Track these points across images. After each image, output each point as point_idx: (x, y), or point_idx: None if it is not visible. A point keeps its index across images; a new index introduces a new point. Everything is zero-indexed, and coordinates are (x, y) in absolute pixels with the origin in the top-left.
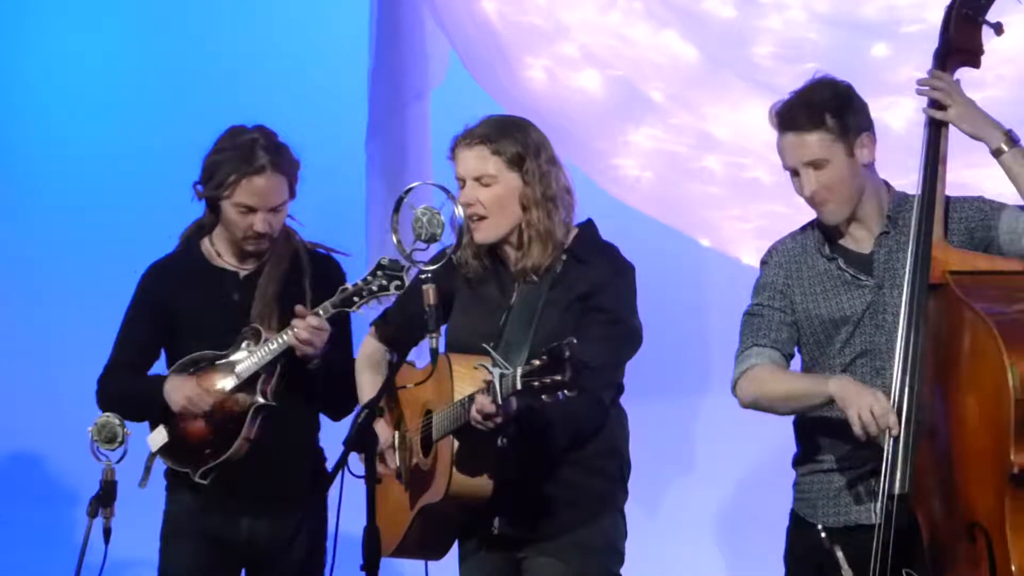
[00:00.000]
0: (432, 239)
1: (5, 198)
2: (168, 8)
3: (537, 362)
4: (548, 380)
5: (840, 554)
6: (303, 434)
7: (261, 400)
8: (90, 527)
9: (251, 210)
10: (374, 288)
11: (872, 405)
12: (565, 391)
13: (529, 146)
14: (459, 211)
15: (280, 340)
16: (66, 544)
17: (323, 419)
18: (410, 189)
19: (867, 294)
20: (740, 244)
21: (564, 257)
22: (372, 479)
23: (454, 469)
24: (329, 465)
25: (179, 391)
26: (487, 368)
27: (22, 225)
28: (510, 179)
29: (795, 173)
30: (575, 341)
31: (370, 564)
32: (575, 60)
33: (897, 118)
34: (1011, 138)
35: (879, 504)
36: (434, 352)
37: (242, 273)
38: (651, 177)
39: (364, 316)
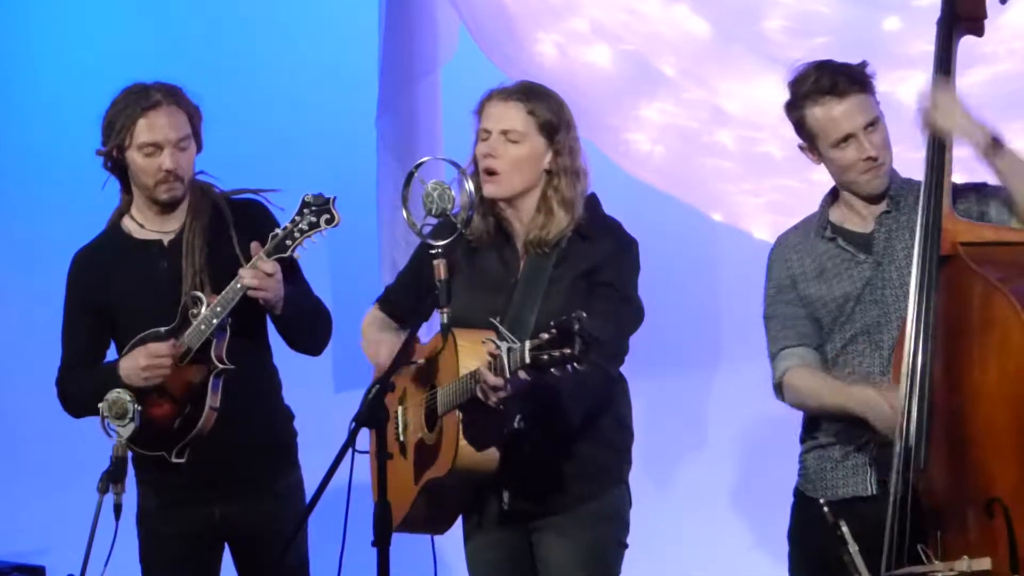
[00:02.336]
0: (443, 214)
1: (10, 192)
2: None
3: (546, 335)
4: (557, 354)
5: (845, 528)
6: (263, 397)
7: (219, 365)
8: (100, 503)
9: (156, 147)
10: (304, 227)
11: (888, 413)
12: (575, 364)
13: (563, 118)
14: (470, 186)
15: (229, 296)
16: (76, 520)
17: (283, 377)
18: (420, 164)
19: (866, 270)
20: (752, 218)
21: (569, 234)
22: (383, 455)
23: (460, 443)
24: (298, 424)
25: (134, 369)
26: (494, 342)
27: (27, 214)
28: (536, 142)
29: (845, 141)
30: (584, 314)
31: (381, 539)
32: (586, 35)
33: (910, 92)
34: (998, 140)
35: (891, 478)
36: (445, 327)
37: (167, 239)
38: (663, 151)
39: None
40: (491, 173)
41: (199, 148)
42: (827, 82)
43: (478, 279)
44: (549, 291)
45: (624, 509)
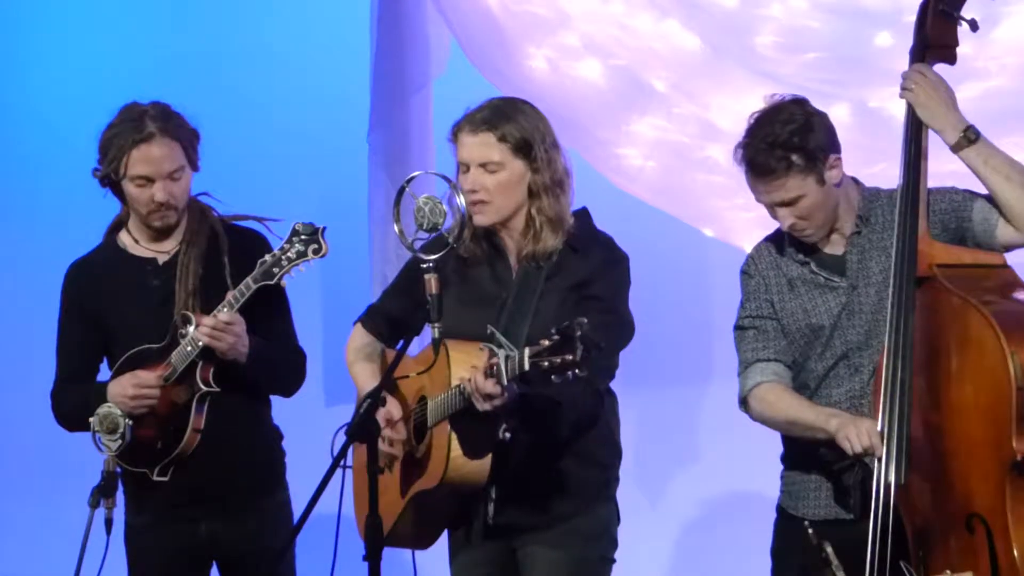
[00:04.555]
0: (434, 228)
1: (3, 202)
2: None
3: (546, 342)
4: (558, 360)
5: (830, 549)
6: (251, 417)
7: (203, 387)
8: (92, 518)
9: (148, 180)
10: (292, 256)
11: (859, 431)
12: (576, 371)
13: (535, 132)
14: (461, 200)
15: (197, 340)
16: (67, 534)
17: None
18: (412, 178)
19: (841, 296)
20: (743, 234)
21: (561, 247)
22: (374, 469)
23: (451, 455)
24: (286, 445)
25: (122, 397)
26: (492, 349)
27: (23, 221)
28: (515, 165)
29: (770, 207)
30: (585, 320)
31: (373, 553)
32: (577, 50)
33: (901, 107)
34: (969, 134)
35: (872, 495)
36: (437, 341)
37: (161, 259)
38: (654, 167)
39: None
40: (479, 203)
41: (196, 169)
42: (753, 162)
43: (470, 293)
44: (540, 304)
45: (611, 525)
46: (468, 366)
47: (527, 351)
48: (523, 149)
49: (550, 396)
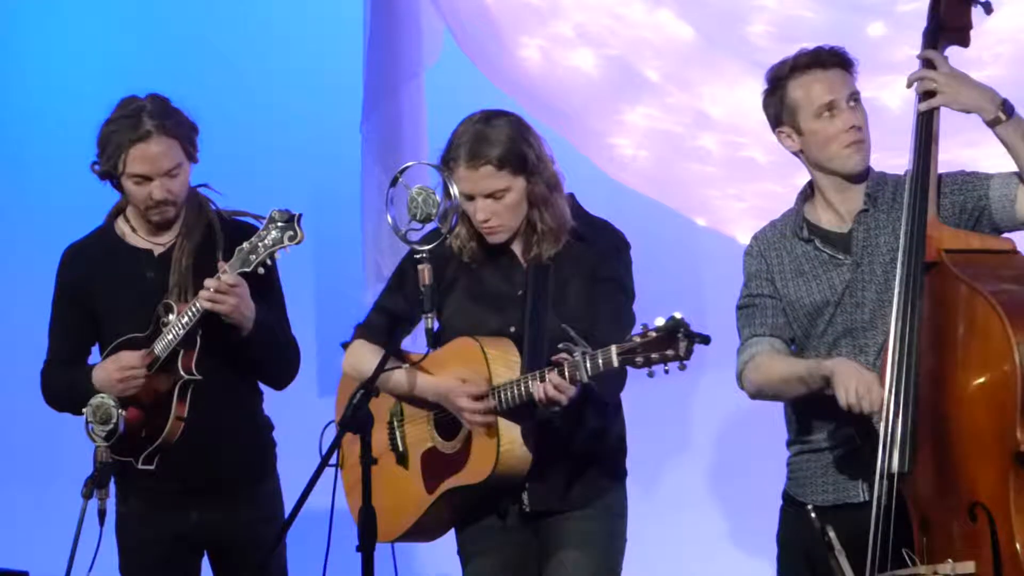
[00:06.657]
0: (427, 219)
1: (3, 194)
2: None
3: (638, 339)
4: (656, 355)
5: (832, 534)
6: (241, 407)
7: (185, 375)
8: (85, 508)
9: (146, 179)
10: (268, 243)
11: (859, 384)
12: (680, 362)
13: (522, 143)
14: (454, 191)
15: (192, 311)
16: (60, 525)
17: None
18: (405, 168)
19: (845, 272)
20: (736, 223)
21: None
22: (367, 460)
23: (501, 450)
24: (279, 436)
25: (106, 380)
26: (570, 347)
27: (21, 218)
28: (518, 183)
29: (829, 110)
30: (682, 316)
31: (366, 544)
32: (570, 39)
33: (893, 97)
34: (1006, 108)
35: (875, 482)
36: (429, 332)
37: (157, 251)
38: (647, 156)
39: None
40: (491, 228)
41: (194, 161)
42: (810, 58)
43: (480, 292)
44: (559, 297)
45: (626, 503)
46: (506, 364)
47: (615, 348)
48: (520, 165)
49: (597, 386)
